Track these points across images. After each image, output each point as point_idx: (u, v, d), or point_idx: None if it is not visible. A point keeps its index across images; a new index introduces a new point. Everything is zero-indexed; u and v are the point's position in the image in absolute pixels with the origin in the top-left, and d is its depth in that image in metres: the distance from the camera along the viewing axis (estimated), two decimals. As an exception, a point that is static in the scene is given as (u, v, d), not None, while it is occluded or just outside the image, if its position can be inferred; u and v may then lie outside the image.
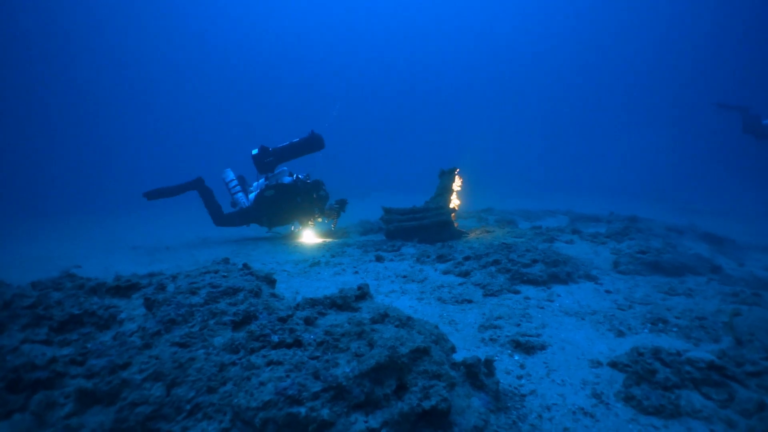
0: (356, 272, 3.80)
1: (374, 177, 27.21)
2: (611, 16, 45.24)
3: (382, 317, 1.70)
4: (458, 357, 2.03)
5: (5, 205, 15.83)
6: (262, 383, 1.27)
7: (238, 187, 6.67)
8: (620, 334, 2.25)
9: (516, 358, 2.02)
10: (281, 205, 6.18)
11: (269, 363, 1.38)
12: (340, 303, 1.87)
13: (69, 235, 8.54)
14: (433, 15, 53.67)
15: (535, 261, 3.39)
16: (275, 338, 1.51)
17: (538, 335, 2.23)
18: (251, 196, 6.48)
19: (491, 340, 2.19)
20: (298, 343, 1.50)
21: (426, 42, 54.44)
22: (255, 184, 6.61)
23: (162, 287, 1.99)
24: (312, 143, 6.39)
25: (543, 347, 2.10)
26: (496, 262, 3.46)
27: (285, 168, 6.48)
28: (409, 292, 3.14)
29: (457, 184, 5.87)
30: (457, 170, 5.78)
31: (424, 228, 5.26)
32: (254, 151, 6.23)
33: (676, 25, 42.03)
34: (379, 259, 4.28)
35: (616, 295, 2.93)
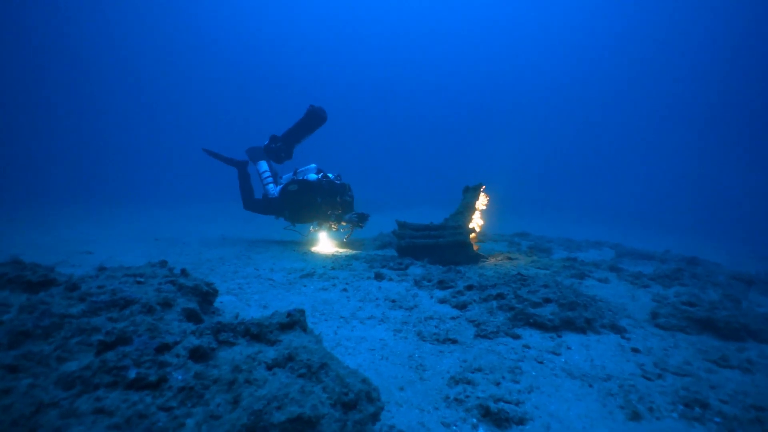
0: (345, 290, 3.42)
1: (417, 190, 26.84)
2: (659, 33, 42.22)
3: (286, 360, 1.30)
4: (405, 419, 1.59)
5: (57, 194, 17.34)
6: (60, 443, 0.93)
7: (270, 178, 6.71)
8: (635, 416, 1.67)
9: (480, 431, 1.53)
10: (302, 202, 6.11)
11: (97, 411, 1.03)
12: (255, 332, 1.50)
13: (106, 223, 8.97)
14: (469, 20, 52.80)
15: (548, 300, 2.81)
16: (132, 374, 1.16)
17: (519, 402, 1.71)
18: (278, 189, 6.51)
19: (456, 400, 1.71)
20: (157, 385, 1.15)
21: (468, 49, 53.80)
22: (285, 176, 6.66)
23: (74, 287, 1.74)
24: (313, 118, 6.33)
25: (521, 422, 1.58)
26: (499, 296, 2.92)
27: (314, 165, 6.41)
28: (390, 320, 2.70)
29: (482, 202, 5.33)
30: (483, 187, 5.24)
31: (437, 247, 4.77)
32: (266, 143, 6.33)
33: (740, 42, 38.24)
34: (378, 277, 3.87)
35: (644, 357, 2.30)
